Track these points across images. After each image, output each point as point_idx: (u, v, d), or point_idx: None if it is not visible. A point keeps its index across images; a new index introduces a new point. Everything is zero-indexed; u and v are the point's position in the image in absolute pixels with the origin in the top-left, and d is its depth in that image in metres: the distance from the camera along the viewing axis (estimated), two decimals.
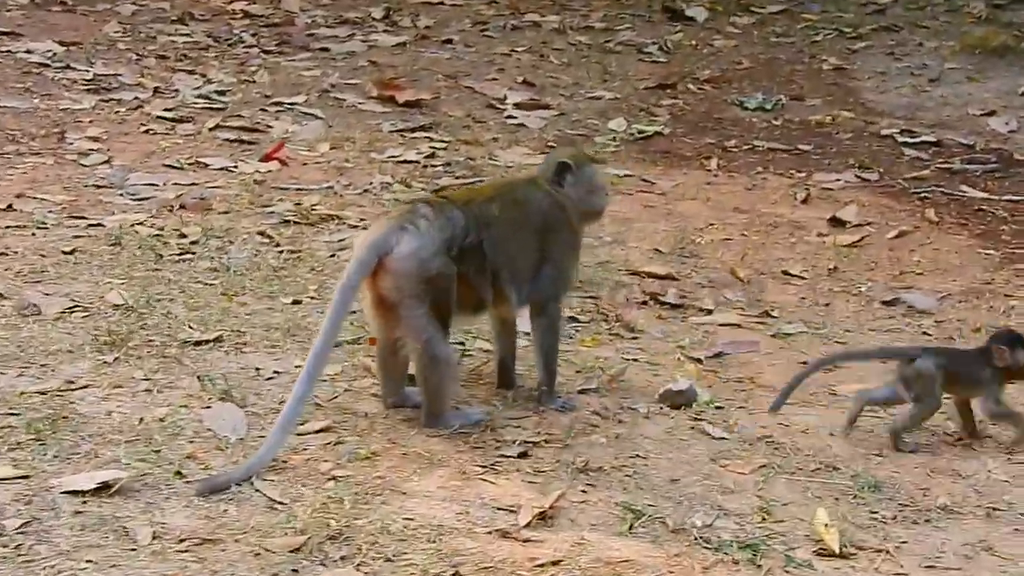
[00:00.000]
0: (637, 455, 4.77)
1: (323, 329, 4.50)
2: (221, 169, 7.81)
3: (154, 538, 3.94)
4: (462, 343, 5.55)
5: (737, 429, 5.05)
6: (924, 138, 9.34)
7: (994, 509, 4.68)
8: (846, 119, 9.79)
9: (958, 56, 11.24)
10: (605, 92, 10.25)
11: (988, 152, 9.10)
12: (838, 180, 8.42)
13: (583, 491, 4.47)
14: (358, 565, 3.92)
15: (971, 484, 4.85)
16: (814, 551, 4.27)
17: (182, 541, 3.94)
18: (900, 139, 9.32)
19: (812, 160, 8.88)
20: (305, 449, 4.56)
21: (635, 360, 5.66)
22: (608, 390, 5.26)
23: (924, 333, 6.25)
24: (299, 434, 4.63)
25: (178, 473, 4.31)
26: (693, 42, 11.79)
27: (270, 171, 7.85)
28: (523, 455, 4.65)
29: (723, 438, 4.99)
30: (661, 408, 5.18)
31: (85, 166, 7.66)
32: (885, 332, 6.24)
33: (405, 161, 8.27)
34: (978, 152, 9.09)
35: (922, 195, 8.19)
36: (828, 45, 11.77)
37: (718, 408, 5.26)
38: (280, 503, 4.20)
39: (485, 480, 4.46)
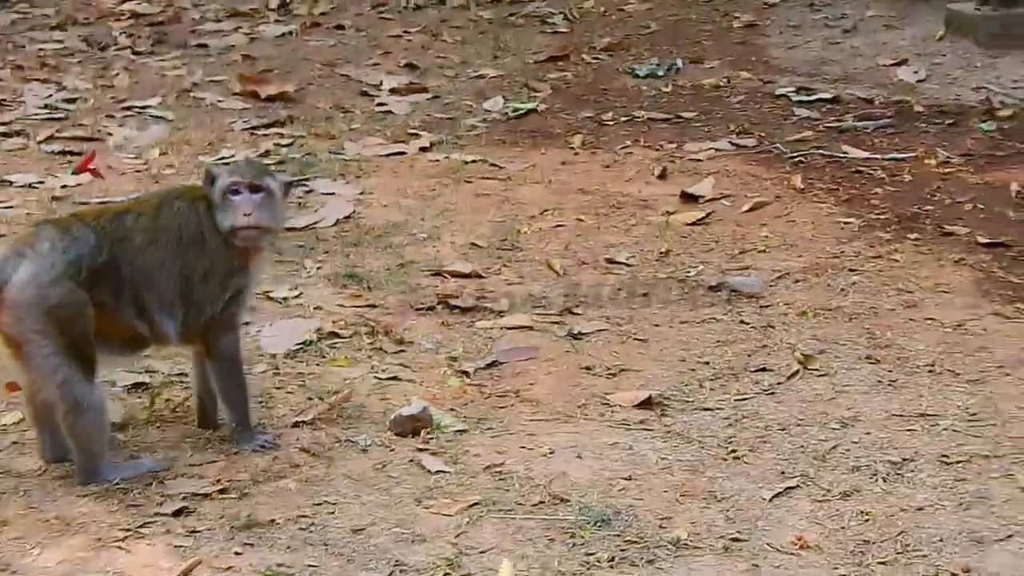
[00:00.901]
0: (326, 501, 4.12)
1: None
2: (25, 186, 7.21)
3: None
4: (186, 374, 4.92)
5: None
6: (821, 95, 8.57)
7: (735, 540, 3.99)
8: (742, 80, 9.04)
9: (881, 2, 10.42)
10: (492, 70, 9.55)
11: (887, 106, 8.32)
12: (710, 149, 7.69)
13: (237, 553, 3.83)
14: None
15: (724, 509, 4.16)
16: None
17: None
18: (795, 98, 8.56)
19: (692, 128, 8.14)
20: None
21: (392, 379, 5.00)
22: (327, 421, 4.61)
23: (742, 322, 5.53)
24: None
25: None
26: (602, 8, 11.05)
27: (80, 184, 7.26)
28: (180, 512, 4.00)
29: (441, 471, 4.32)
30: (388, 438, 4.53)
31: None
32: (699, 324, 5.53)
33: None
34: (876, 107, 8.32)
35: (798, 159, 7.44)
36: (745, 1, 10.97)
37: (459, 432, 4.60)
38: None
39: (122, 548, 3.82)
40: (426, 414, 4.61)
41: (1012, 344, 5.26)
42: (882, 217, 6.59)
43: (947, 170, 7.19)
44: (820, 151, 7.54)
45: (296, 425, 4.57)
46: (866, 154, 7.48)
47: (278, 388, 4.85)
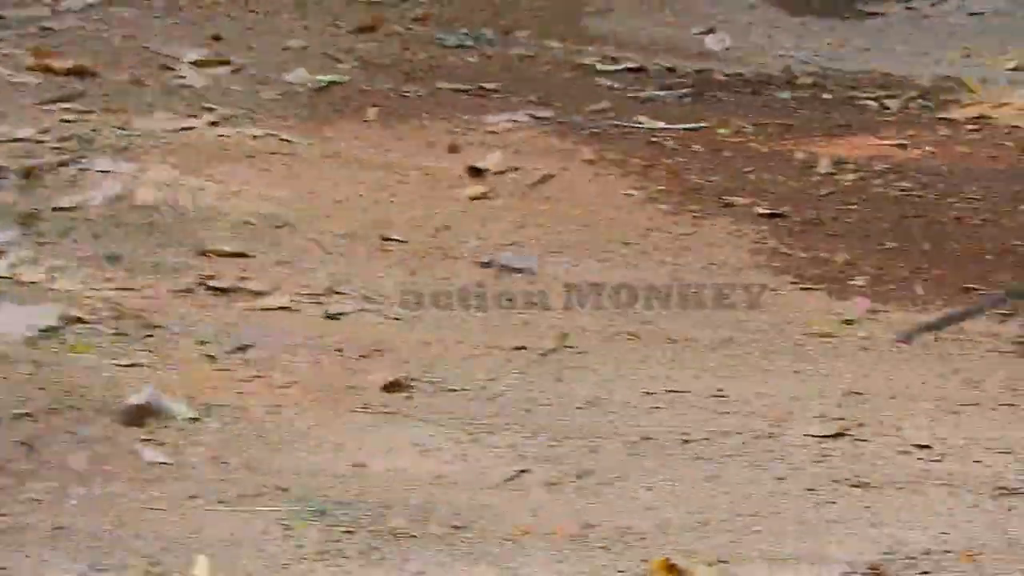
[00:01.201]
0: (31, 499, 3.93)
1: None
2: None
3: None
4: None
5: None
6: (627, 64, 8.50)
7: (456, 528, 3.87)
8: (552, 50, 8.92)
9: None
10: (301, 41, 9.32)
11: (690, 75, 8.27)
12: (508, 120, 7.56)
13: None
14: None
15: (451, 495, 4.04)
16: None
17: None
18: (600, 67, 8.47)
19: (492, 100, 8.00)
20: None
21: (132, 366, 4.80)
22: (51, 412, 4.41)
23: (507, 299, 5.41)
24: None
25: None
26: None
27: None
28: None
29: (162, 463, 4.15)
30: (113, 429, 4.34)
31: None
32: (463, 302, 5.39)
33: (16, 140, 7.36)
34: (678, 77, 8.25)
35: (593, 130, 7.35)
36: None
37: (191, 420, 4.43)
38: None
39: None
40: (157, 402, 4.43)
41: (775, 315, 5.21)
42: (666, 189, 6.52)
43: (738, 140, 7.15)
44: (615, 122, 7.46)
45: (16, 418, 4.37)
46: (661, 124, 7.41)
47: (4, 379, 4.64)
